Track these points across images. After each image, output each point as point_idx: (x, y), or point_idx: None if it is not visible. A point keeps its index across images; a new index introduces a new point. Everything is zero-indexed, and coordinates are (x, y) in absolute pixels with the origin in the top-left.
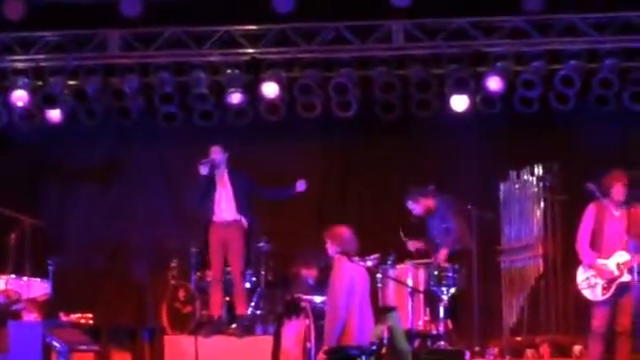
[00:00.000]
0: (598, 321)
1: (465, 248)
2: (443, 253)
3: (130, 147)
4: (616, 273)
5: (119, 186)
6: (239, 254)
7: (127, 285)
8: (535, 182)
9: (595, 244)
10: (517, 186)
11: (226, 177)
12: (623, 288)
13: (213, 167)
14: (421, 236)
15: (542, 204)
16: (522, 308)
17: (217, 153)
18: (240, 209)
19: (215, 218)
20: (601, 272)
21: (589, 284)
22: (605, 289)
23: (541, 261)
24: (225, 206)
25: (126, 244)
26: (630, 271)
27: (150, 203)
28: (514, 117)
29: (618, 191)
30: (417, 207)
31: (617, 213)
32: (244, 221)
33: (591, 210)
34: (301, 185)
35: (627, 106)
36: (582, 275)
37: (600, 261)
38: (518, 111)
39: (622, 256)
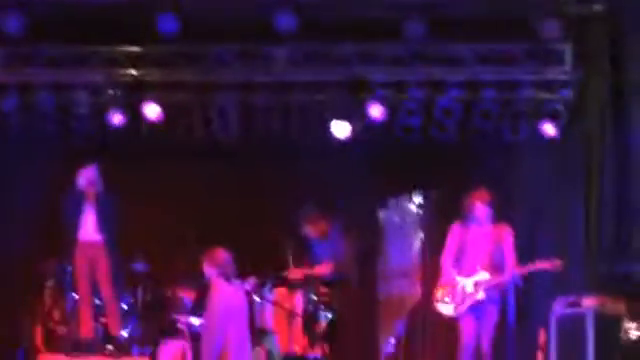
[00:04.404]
0: (465, 339)
1: (346, 273)
2: (325, 268)
3: (7, 167)
4: (470, 290)
5: None
6: (107, 276)
7: (1, 306)
8: (414, 209)
9: (458, 263)
10: (397, 213)
11: (95, 196)
12: (478, 308)
13: (90, 183)
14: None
15: (420, 231)
16: (399, 334)
17: (93, 171)
18: (105, 230)
19: (80, 237)
20: (457, 289)
21: (444, 300)
22: (458, 304)
23: (419, 287)
24: (91, 226)
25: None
26: (486, 292)
27: (26, 223)
28: (395, 144)
29: (479, 209)
30: (313, 229)
31: (480, 232)
32: (109, 242)
33: (455, 230)
34: None
35: (506, 137)
36: (440, 291)
37: (459, 279)
38: (399, 139)
39: (482, 275)
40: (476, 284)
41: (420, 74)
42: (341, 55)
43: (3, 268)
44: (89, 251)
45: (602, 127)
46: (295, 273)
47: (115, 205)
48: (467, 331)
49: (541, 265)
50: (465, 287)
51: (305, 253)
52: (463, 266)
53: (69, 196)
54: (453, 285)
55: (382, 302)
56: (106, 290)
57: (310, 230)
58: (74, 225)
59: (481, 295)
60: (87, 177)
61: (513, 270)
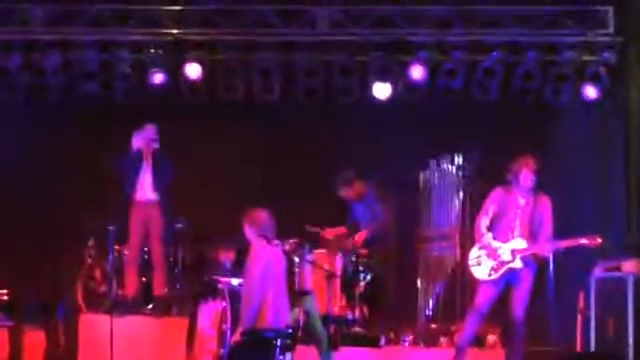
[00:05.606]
0: (481, 299)
1: (385, 235)
2: (363, 235)
3: (50, 124)
4: (508, 258)
5: (37, 163)
6: (159, 235)
7: (43, 264)
8: (454, 171)
9: (495, 227)
10: (437, 175)
11: (152, 156)
12: (513, 274)
13: (148, 143)
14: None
15: (460, 193)
16: (438, 296)
17: (153, 130)
18: (161, 190)
19: (137, 197)
20: (493, 253)
21: (479, 262)
22: (494, 270)
23: (458, 250)
24: (148, 185)
25: (42, 221)
26: (523, 260)
27: (68, 180)
28: (436, 106)
29: (525, 177)
30: (350, 191)
31: (522, 200)
32: (163, 202)
33: (496, 193)
34: None
35: (548, 99)
36: (475, 253)
37: (495, 243)
38: (440, 100)
39: (519, 243)
40: (513, 252)
41: (462, 35)
42: (383, 16)
43: (47, 225)
44: (145, 210)
45: None
46: (334, 234)
47: (171, 164)
48: (487, 293)
49: (581, 242)
50: (502, 254)
51: (345, 214)
52: (500, 231)
53: (125, 156)
54: (489, 250)
55: (421, 263)
56: (157, 249)
57: (348, 191)
58: (131, 184)
59: (518, 263)
60: (146, 136)
61: (551, 242)
